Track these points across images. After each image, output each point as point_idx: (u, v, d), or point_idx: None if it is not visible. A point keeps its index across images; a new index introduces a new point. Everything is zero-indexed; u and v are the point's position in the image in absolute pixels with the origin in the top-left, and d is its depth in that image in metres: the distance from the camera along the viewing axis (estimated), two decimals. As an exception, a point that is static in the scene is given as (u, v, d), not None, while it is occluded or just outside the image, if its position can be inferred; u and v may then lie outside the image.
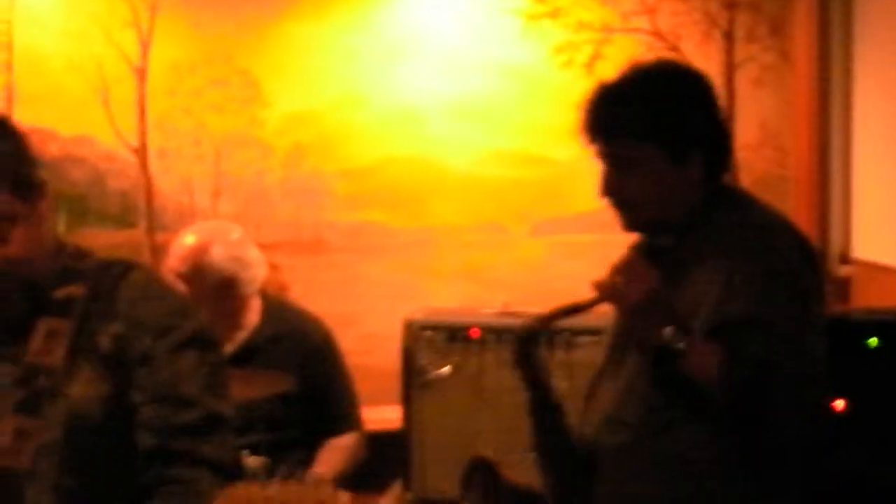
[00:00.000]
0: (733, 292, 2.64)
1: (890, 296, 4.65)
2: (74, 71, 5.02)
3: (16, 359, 2.47)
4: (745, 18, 5.15)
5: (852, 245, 5.09)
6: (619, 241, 2.95)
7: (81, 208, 5.09)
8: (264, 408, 3.99)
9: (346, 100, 5.04)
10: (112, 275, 2.55)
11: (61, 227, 5.07)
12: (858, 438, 3.87)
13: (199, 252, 4.17)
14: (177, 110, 5.07)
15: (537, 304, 4.47)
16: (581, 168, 4.93)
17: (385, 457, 4.47)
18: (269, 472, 3.61)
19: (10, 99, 5.02)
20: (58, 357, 2.45)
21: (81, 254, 2.63)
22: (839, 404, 3.82)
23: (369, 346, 4.87)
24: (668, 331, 2.63)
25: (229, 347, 4.26)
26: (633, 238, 2.94)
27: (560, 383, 3.05)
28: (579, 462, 2.89)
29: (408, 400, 4.50)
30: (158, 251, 5.01)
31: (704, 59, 5.01)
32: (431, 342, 4.46)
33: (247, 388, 3.77)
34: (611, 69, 4.79)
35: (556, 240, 4.93)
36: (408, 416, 4.50)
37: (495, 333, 4.43)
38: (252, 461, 3.65)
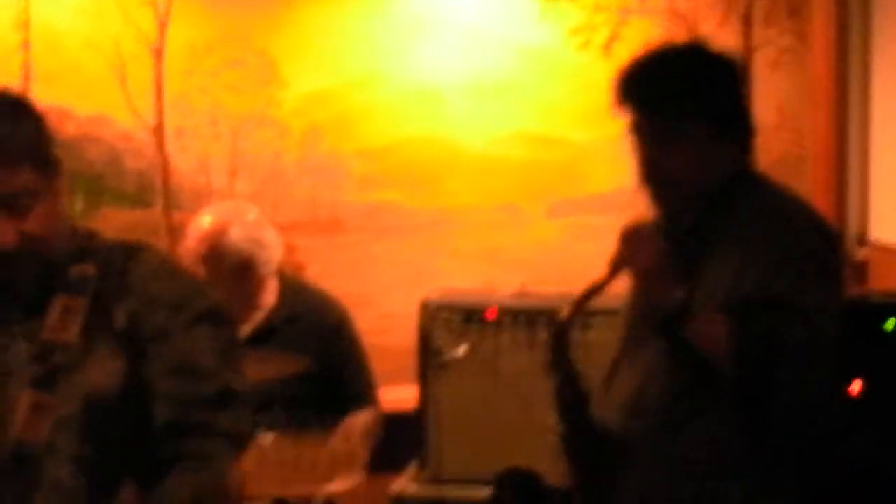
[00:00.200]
0: (750, 274, 2.64)
1: (907, 278, 4.66)
2: (92, 50, 5.03)
3: (31, 336, 2.49)
4: (764, 1, 5.13)
5: (870, 227, 5.07)
6: (635, 223, 2.95)
7: (98, 188, 5.10)
8: (281, 388, 3.99)
9: (363, 80, 5.03)
10: (123, 254, 2.58)
11: (79, 207, 5.08)
12: (875, 422, 3.86)
13: (217, 233, 4.18)
14: (194, 90, 5.07)
15: (553, 285, 4.52)
16: (598, 149, 4.97)
17: (400, 436, 4.48)
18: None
19: (27, 78, 5.03)
20: (73, 334, 2.48)
21: (92, 234, 2.65)
22: (855, 388, 3.81)
23: (385, 326, 4.87)
24: (678, 293, 2.65)
25: (246, 328, 4.28)
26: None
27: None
28: (601, 448, 2.89)
29: (424, 380, 4.49)
30: (175, 231, 5.02)
31: (722, 41, 4.96)
32: (448, 323, 4.46)
33: (264, 368, 3.77)
34: (628, 51, 4.82)
35: (573, 221, 4.93)
36: (424, 397, 4.50)
37: (511, 314, 4.43)
38: (264, 437, 3.65)
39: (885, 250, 4.93)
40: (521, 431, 4.23)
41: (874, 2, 5.05)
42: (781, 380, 2.58)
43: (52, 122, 4.98)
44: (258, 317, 4.29)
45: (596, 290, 2.84)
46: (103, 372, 2.49)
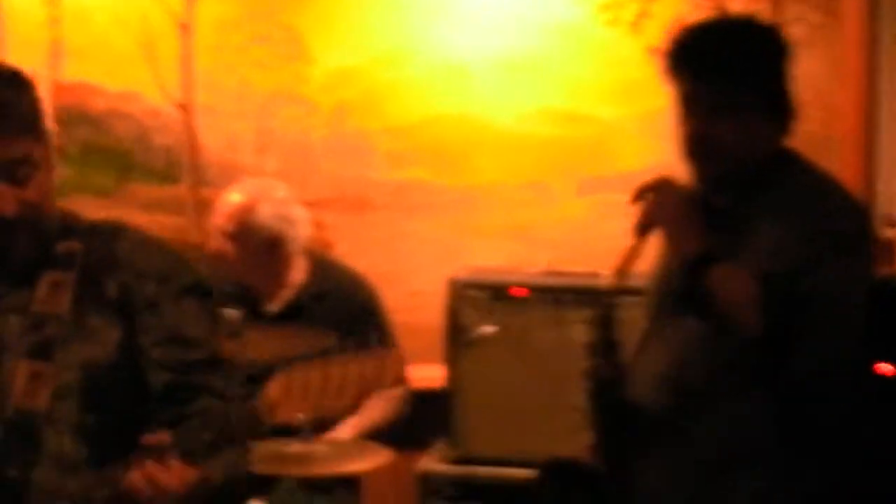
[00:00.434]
0: (785, 251, 2.64)
1: (936, 258, 4.62)
2: (121, 26, 5.03)
3: (22, 309, 2.54)
4: (794, -23, 5.09)
5: (898, 207, 5.04)
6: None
7: (127, 163, 5.11)
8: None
9: (391, 56, 5.01)
10: (107, 231, 2.66)
11: (108, 182, 5.09)
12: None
13: (246, 211, 4.19)
14: (221, 66, 5.06)
15: (581, 264, 4.51)
16: (626, 126, 4.95)
17: (428, 415, 4.48)
18: (312, 427, 3.65)
19: (57, 54, 5.04)
20: (64, 306, 2.53)
21: (74, 213, 2.72)
22: (887, 368, 3.78)
23: (413, 304, 4.87)
24: (703, 240, 2.68)
25: (275, 305, 4.29)
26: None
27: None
28: (631, 425, 2.88)
29: (451, 359, 4.50)
30: (202, 207, 5.02)
31: (752, 17, 4.96)
32: (475, 301, 4.46)
33: (292, 346, 3.78)
34: (657, 27, 4.82)
35: (601, 199, 4.90)
36: (451, 375, 4.50)
37: (539, 292, 4.43)
38: (298, 416, 3.65)
39: (913, 231, 4.89)
40: (549, 410, 4.24)
41: (907, -21, 5.01)
42: (801, 344, 2.58)
43: (82, 98, 5.07)
44: (286, 294, 4.30)
45: (632, 254, 2.83)
46: (99, 342, 2.55)
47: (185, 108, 5.07)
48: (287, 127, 5.08)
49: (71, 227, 2.64)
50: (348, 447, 3.90)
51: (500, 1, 5.01)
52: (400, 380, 4.28)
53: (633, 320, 2.99)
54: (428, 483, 4.46)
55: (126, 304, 2.57)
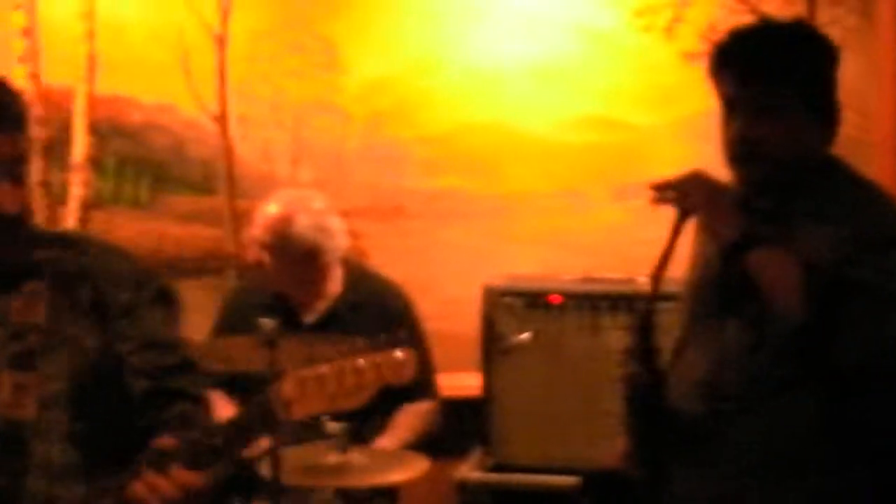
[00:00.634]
0: (827, 247, 2.62)
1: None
2: (156, 39, 5.06)
3: (2, 318, 2.56)
4: (829, -21, 5.07)
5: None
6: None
7: (163, 175, 5.13)
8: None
9: (425, 65, 5.02)
10: (74, 240, 2.70)
11: (143, 194, 5.12)
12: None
13: (284, 222, 4.20)
14: (256, 77, 5.08)
15: (617, 270, 4.49)
16: (661, 132, 4.93)
17: (463, 423, 4.48)
18: (348, 437, 3.65)
19: (92, 67, 5.07)
20: (41, 315, 2.56)
21: (38, 224, 2.80)
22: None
23: (448, 312, 4.86)
24: (741, 222, 2.67)
25: (311, 316, 4.29)
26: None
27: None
28: (669, 430, 2.87)
29: (487, 366, 4.49)
30: (239, 218, 5.04)
31: (787, 21, 4.93)
32: (511, 308, 4.45)
33: (325, 352, 3.78)
34: (691, 33, 4.81)
35: (636, 205, 4.87)
36: (487, 383, 4.49)
37: (575, 299, 4.42)
38: (332, 426, 3.66)
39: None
40: (585, 417, 4.23)
41: (942, -19, 4.98)
42: (847, 325, 2.57)
43: (117, 111, 5.09)
44: (322, 305, 4.31)
45: (668, 252, 2.81)
46: (80, 350, 2.57)
47: (220, 119, 5.09)
48: (321, 136, 5.09)
49: (41, 235, 2.67)
50: (386, 457, 3.89)
51: (533, 8, 5.01)
52: (424, 385, 4.30)
53: (669, 326, 2.97)
54: (465, 491, 4.45)
55: (100, 312, 2.60)
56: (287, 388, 2.47)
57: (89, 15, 5.06)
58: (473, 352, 4.51)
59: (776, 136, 2.73)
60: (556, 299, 4.42)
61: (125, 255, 2.78)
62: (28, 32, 5.05)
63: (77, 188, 5.10)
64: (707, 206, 2.76)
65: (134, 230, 5.11)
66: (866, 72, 4.98)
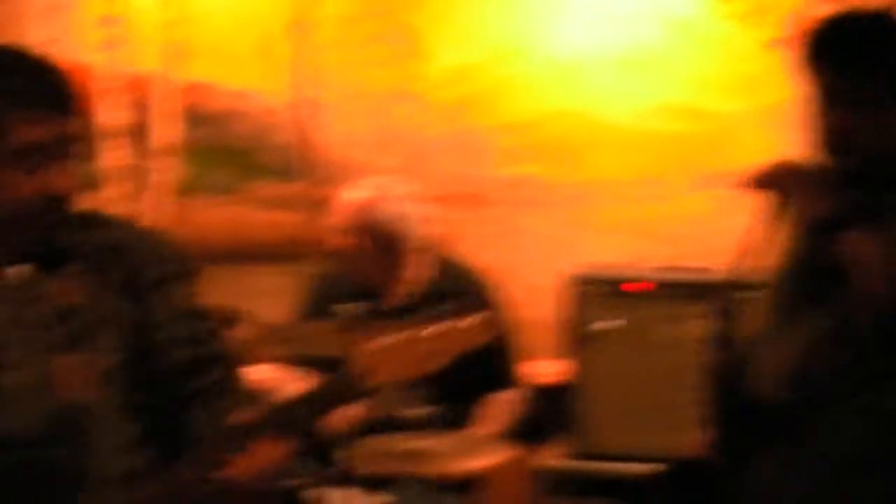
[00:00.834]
0: None
1: None
2: (239, 26, 5.10)
3: (46, 299, 2.56)
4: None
5: None
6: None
7: (245, 163, 5.17)
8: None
9: (507, 53, 5.02)
10: (100, 220, 2.68)
11: (228, 181, 5.16)
12: None
13: (367, 209, 4.21)
14: (339, 64, 5.10)
15: (700, 259, 4.47)
16: (746, 120, 4.89)
17: (546, 411, 4.48)
18: (430, 422, 3.66)
19: (178, 55, 5.11)
20: (83, 295, 2.56)
21: None
22: None
23: (530, 299, 4.84)
24: (828, 202, 2.65)
25: (392, 302, 4.30)
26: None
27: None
28: (752, 419, 2.85)
29: (571, 354, 4.49)
30: (320, 205, 5.05)
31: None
32: (594, 297, 4.44)
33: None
34: (776, 20, 4.77)
35: (719, 194, 4.83)
36: (571, 371, 4.49)
37: (658, 288, 4.41)
38: (414, 413, 3.68)
39: None
40: (669, 405, 4.21)
41: None
42: None
43: (200, 97, 5.13)
44: (405, 291, 4.32)
45: (752, 239, 2.79)
46: (123, 325, 2.59)
47: (302, 106, 5.11)
48: (403, 124, 5.11)
49: (76, 216, 2.65)
50: (468, 444, 3.90)
51: (616, -5, 5.00)
52: (508, 374, 4.31)
53: (754, 315, 2.95)
54: (547, 478, 4.45)
55: (134, 287, 2.62)
56: (365, 356, 2.47)
57: (174, 3, 5.10)
58: (553, 339, 4.51)
59: (872, 127, 2.69)
60: (638, 287, 4.40)
61: (150, 231, 2.84)
62: (114, 20, 5.10)
63: (160, 174, 5.16)
64: (797, 188, 2.74)
65: (216, 216, 5.16)
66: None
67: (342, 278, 4.34)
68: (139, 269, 2.63)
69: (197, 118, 5.17)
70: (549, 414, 4.51)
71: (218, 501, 2.61)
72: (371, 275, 4.32)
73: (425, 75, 5.08)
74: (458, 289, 4.31)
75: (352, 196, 4.27)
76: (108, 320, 2.59)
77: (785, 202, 2.78)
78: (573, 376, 4.48)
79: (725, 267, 2.87)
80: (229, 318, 4.70)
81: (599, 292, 4.43)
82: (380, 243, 4.24)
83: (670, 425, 4.13)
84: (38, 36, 5.08)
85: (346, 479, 3.40)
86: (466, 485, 4.17)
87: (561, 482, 4.43)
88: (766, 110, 4.80)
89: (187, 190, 5.16)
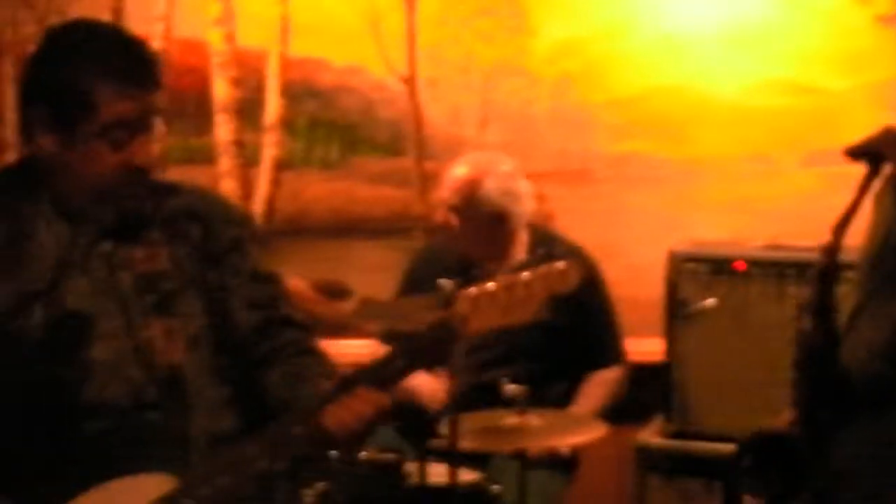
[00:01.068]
0: None
1: None
2: (347, 2, 5.11)
3: (131, 266, 2.66)
4: None
5: None
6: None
7: (352, 137, 5.21)
8: (526, 337, 4.00)
9: (614, 28, 4.97)
10: (172, 187, 2.77)
11: (334, 155, 5.20)
12: None
13: (473, 185, 4.23)
14: (446, 39, 5.10)
15: (807, 237, 4.40)
16: (855, 97, 4.81)
17: (646, 389, 4.47)
18: (527, 401, 3.66)
19: (285, 30, 5.15)
20: (165, 261, 2.66)
21: None
22: None
23: (633, 277, 4.83)
24: None
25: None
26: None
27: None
28: (839, 395, 2.82)
29: (670, 332, 4.46)
30: (427, 180, 5.09)
31: None
32: (695, 274, 4.40)
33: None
34: (887, -4, 4.68)
35: (828, 171, 4.76)
36: (670, 349, 4.46)
37: (761, 266, 4.35)
38: (511, 389, 3.68)
39: None
40: (768, 385, 4.14)
41: None
42: None
43: (309, 73, 5.18)
44: (508, 267, 4.31)
45: (854, 208, 2.76)
46: (206, 288, 2.69)
47: (409, 81, 5.13)
48: (510, 99, 5.09)
49: (153, 185, 2.75)
50: (563, 420, 3.90)
51: (724, -32, 4.93)
52: (612, 350, 4.31)
53: (850, 288, 2.91)
54: (645, 457, 4.43)
55: (208, 251, 2.71)
56: (461, 305, 2.57)
57: (283, -22, 5.14)
58: (657, 318, 4.48)
59: None
60: (741, 266, 4.36)
61: (218, 196, 3.01)
62: (226, -4, 5.16)
63: (269, 149, 5.21)
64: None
65: (324, 190, 5.20)
66: None
67: (444, 254, 4.37)
68: (212, 234, 2.72)
69: (306, 93, 5.21)
70: (648, 392, 4.50)
71: (317, 452, 2.69)
72: (475, 251, 4.33)
73: (532, 50, 5.05)
74: (561, 265, 4.30)
75: (458, 172, 4.28)
76: (190, 285, 2.69)
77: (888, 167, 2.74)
78: (671, 355, 4.45)
79: (825, 241, 2.84)
80: (336, 291, 4.78)
81: (701, 270, 4.39)
82: (486, 219, 4.26)
83: (769, 406, 4.06)
84: (154, 12, 5.16)
85: (445, 454, 3.41)
86: (564, 462, 4.18)
87: (657, 460, 4.41)
88: (875, 87, 4.72)
89: (295, 164, 5.20)
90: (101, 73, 2.54)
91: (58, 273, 2.60)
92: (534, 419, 3.67)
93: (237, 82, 5.18)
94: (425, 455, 3.64)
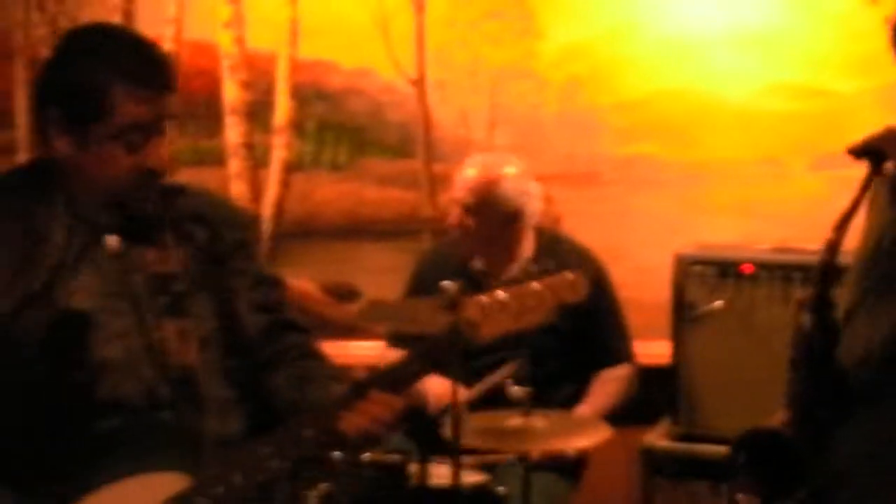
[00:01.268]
0: None
1: None
2: (356, 4, 5.12)
3: (143, 268, 2.68)
4: None
5: None
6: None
7: (361, 139, 5.21)
8: (534, 340, 3.99)
9: (621, 31, 4.97)
10: (179, 188, 2.78)
11: (342, 157, 5.21)
12: None
13: (490, 184, 4.24)
14: (454, 42, 5.10)
15: (815, 241, 4.39)
16: (865, 100, 4.80)
17: (653, 391, 4.46)
18: (531, 402, 3.66)
19: (294, 32, 5.16)
20: (177, 263, 2.69)
21: None
22: None
23: (640, 279, 4.83)
24: None
25: (502, 279, 4.31)
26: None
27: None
28: (835, 395, 2.82)
29: (677, 335, 4.46)
30: (436, 182, 5.10)
31: None
32: (702, 277, 4.41)
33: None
34: (895, -2, 4.66)
35: (837, 174, 4.74)
36: (677, 352, 4.46)
37: (768, 269, 4.36)
38: (516, 391, 3.68)
39: None
40: (775, 388, 4.14)
41: None
42: None
43: (318, 75, 5.18)
44: (514, 269, 4.33)
45: (854, 206, 2.77)
46: (215, 290, 2.73)
47: (417, 84, 5.13)
48: (517, 102, 5.09)
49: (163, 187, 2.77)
50: (568, 423, 3.90)
51: (730, -27, 4.93)
52: (621, 350, 4.31)
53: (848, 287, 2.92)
54: (652, 459, 4.43)
55: (215, 253, 2.74)
56: (471, 311, 2.63)
57: (292, -20, 5.16)
58: (664, 320, 4.48)
59: None
60: (748, 269, 4.36)
61: (223, 198, 3.05)
62: (236, -1, 5.18)
63: (279, 151, 5.22)
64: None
65: (332, 192, 5.21)
66: None
67: (450, 255, 4.37)
68: (217, 237, 2.76)
69: (315, 95, 5.22)
70: (656, 394, 4.49)
71: (326, 454, 2.72)
72: (485, 251, 4.33)
73: (539, 54, 5.05)
74: (567, 268, 4.29)
75: (475, 172, 4.28)
76: (200, 287, 2.72)
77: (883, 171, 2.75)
78: (678, 357, 4.45)
79: (825, 241, 2.84)
80: (345, 293, 4.78)
81: (708, 273, 4.39)
82: (500, 219, 4.27)
83: (774, 408, 4.08)
84: (164, 14, 5.18)
85: (449, 455, 3.41)
86: (570, 463, 4.18)
87: (664, 463, 4.41)
88: (885, 90, 4.69)
89: (304, 166, 5.21)
90: (116, 76, 2.56)
91: (53, 274, 2.61)
92: (538, 421, 3.67)
93: (247, 85, 5.19)
94: (429, 456, 3.64)
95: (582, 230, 4.77)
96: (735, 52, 4.89)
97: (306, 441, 2.58)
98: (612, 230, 4.99)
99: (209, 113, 5.21)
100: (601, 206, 5.05)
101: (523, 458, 3.70)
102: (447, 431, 3.52)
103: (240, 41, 5.17)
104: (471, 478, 3.72)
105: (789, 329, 3.90)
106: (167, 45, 5.05)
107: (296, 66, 5.18)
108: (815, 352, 2.82)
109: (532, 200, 4.32)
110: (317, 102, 5.21)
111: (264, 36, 5.18)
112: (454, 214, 4.34)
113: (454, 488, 3.31)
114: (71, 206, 2.64)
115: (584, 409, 4.22)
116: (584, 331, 4.25)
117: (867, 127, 4.67)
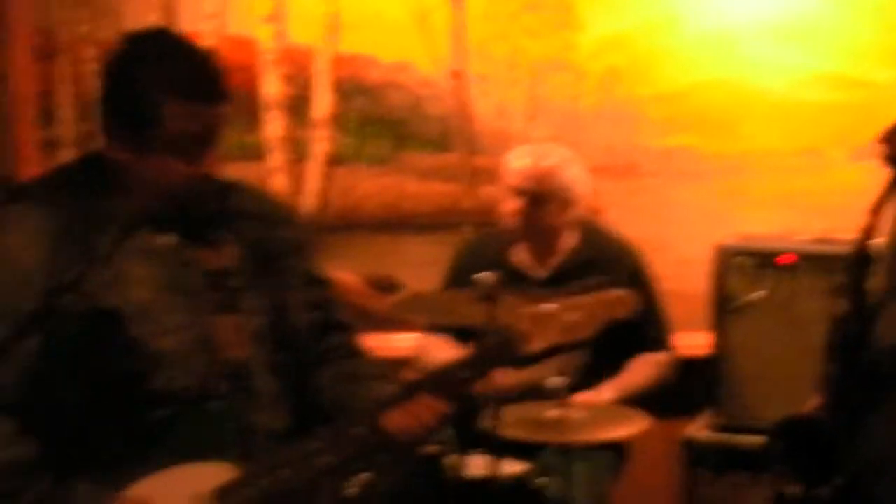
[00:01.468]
0: None
1: None
2: (395, -1, 5.14)
3: (197, 264, 2.72)
4: None
5: None
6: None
7: (401, 133, 5.23)
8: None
9: (660, 22, 4.97)
10: (229, 186, 2.81)
11: (383, 151, 5.22)
12: None
13: (549, 171, 4.23)
14: (493, 35, 5.11)
15: (855, 232, 4.37)
16: (903, 92, 4.79)
17: (694, 383, 4.46)
18: (566, 392, 3.68)
19: (334, 26, 5.18)
20: (231, 259, 2.74)
21: None
22: None
23: (680, 271, 4.83)
24: None
25: (543, 271, 4.33)
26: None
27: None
28: (867, 384, 2.82)
29: (718, 326, 4.46)
30: (476, 175, 5.11)
31: None
32: (742, 268, 4.40)
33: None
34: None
35: (877, 165, 4.73)
36: (718, 343, 4.46)
37: (808, 260, 4.35)
38: (553, 381, 3.69)
39: None
40: (816, 380, 4.14)
41: None
42: None
43: (358, 69, 5.20)
44: (555, 261, 4.33)
45: (891, 188, 2.76)
46: (264, 285, 2.77)
47: (457, 77, 5.14)
48: (557, 94, 5.10)
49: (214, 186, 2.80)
50: (607, 413, 3.90)
51: (771, -37, 4.91)
52: (660, 340, 4.31)
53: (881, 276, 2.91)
54: (692, 451, 4.44)
55: (267, 251, 2.78)
56: (522, 321, 2.70)
57: (330, -26, 5.17)
58: (705, 311, 4.48)
59: None
60: (788, 259, 4.35)
61: (273, 197, 3.07)
62: (274, -7, 5.20)
63: (320, 145, 5.24)
64: None
65: (373, 186, 5.23)
66: None
67: (489, 247, 4.37)
68: (271, 233, 2.80)
69: (355, 89, 5.24)
70: (697, 385, 4.49)
71: (377, 455, 2.76)
72: (531, 240, 4.33)
73: (578, 46, 5.05)
74: (607, 260, 4.31)
75: (531, 161, 4.26)
76: (252, 284, 2.75)
77: None
78: (719, 348, 4.45)
79: (880, 239, 2.85)
80: (386, 286, 4.81)
81: (748, 264, 4.38)
82: (556, 207, 4.26)
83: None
84: (204, 9, 5.20)
85: (488, 446, 3.44)
86: (610, 453, 4.18)
87: (705, 454, 4.41)
88: (925, 81, 4.70)
89: (345, 160, 5.23)
90: (169, 89, 2.58)
91: (110, 268, 2.63)
92: (576, 411, 3.68)
93: (287, 79, 5.21)
94: (468, 446, 3.66)
95: (622, 222, 4.77)
96: (774, 43, 4.89)
97: (355, 439, 2.62)
98: (652, 222, 5.00)
99: (249, 107, 5.23)
100: (641, 198, 5.05)
101: (565, 449, 3.71)
102: (485, 422, 3.54)
103: (280, 36, 5.19)
104: (511, 468, 3.73)
105: (829, 319, 3.91)
106: (207, 40, 5.07)
107: (336, 60, 5.20)
108: (848, 337, 2.82)
109: (586, 187, 4.33)
110: (357, 96, 5.22)
111: (304, 30, 5.19)
112: (506, 204, 4.32)
113: (491, 479, 3.35)
114: (127, 202, 2.67)
115: (612, 386, 4.20)
116: (625, 323, 4.24)
117: (906, 118, 4.70)
